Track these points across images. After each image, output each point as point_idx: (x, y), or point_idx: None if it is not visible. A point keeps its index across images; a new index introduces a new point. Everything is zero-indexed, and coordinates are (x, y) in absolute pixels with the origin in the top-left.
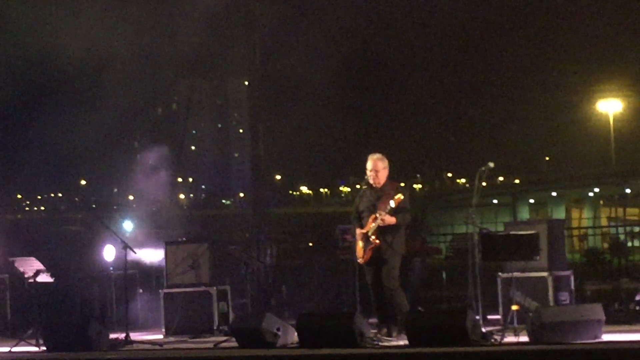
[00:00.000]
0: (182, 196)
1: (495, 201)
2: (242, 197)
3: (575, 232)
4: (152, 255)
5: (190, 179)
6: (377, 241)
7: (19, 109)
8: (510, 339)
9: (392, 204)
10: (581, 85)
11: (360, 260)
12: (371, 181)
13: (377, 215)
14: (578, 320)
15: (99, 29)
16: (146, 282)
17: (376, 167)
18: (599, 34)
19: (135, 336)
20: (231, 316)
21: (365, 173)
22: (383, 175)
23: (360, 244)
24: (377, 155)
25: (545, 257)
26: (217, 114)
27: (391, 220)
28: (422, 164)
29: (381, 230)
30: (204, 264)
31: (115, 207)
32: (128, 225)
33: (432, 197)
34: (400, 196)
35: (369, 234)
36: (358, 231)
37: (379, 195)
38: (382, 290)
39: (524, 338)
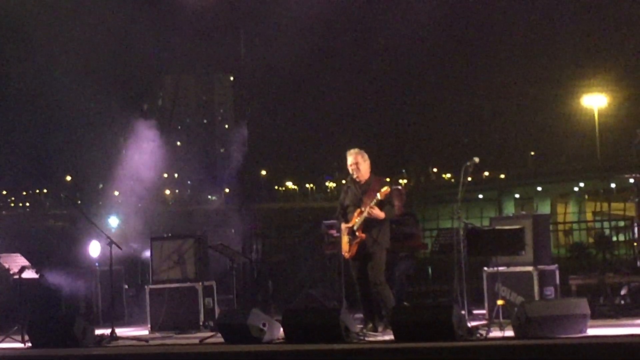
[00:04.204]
0: (167, 192)
1: (480, 196)
2: (228, 192)
3: (561, 227)
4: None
5: (176, 175)
6: (363, 235)
7: (3, 105)
8: (495, 333)
9: (379, 196)
10: (566, 80)
11: (346, 255)
12: (354, 174)
13: (362, 209)
14: (563, 315)
15: (84, 25)
16: (132, 278)
17: (357, 160)
18: (584, 29)
19: (121, 332)
20: (217, 312)
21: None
22: (365, 168)
23: (345, 238)
24: (355, 150)
25: (530, 252)
26: (202, 109)
27: (379, 213)
28: (407, 159)
29: (366, 225)
30: (190, 259)
31: (100, 203)
32: (113, 221)
33: (417, 192)
34: (387, 189)
35: (355, 228)
36: (343, 226)
37: (364, 189)
38: (368, 285)
39: (510, 333)
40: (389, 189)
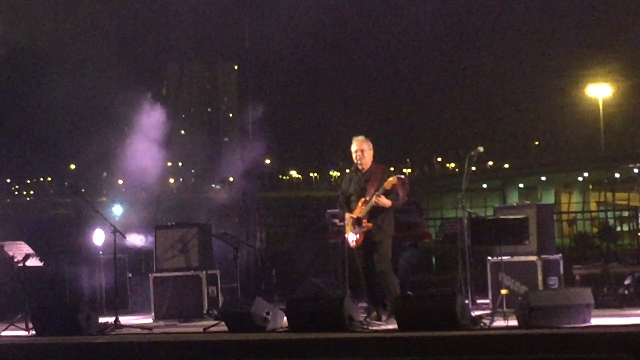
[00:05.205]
0: (171, 180)
1: (484, 185)
2: (232, 181)
3: (565, 217)
4: (141, 240)
5: (180, 163)
6: (369, 224)
7: (7, 94)
8: (499, 323)
9: (386, 186)
10: (571, 69)
11: (353, 245)
12: (357, 162)
13: (367, 198)
14: (567, 305)
15: (87, 12)
16: (136, 266)
17: (362, 147)
18: (589, 18)
19: (124, 320)
20: (221, 300)
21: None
22: (369, 156)
23: (350, 228)
24: (361, 137)
25: (534, 242)
26: (206, 98)
27: (385, 202)
28: (411, 149)
29: (372, 214)
30: (194, 248)
31: (104, 192)
32: (117, 210)
33: (421, 182)
34: (394, 178)
35: (361, 217)
36: (348, 216)
37: (367, 178)
38: (372, 274)
39: (513, 322)
40: (396, 179)
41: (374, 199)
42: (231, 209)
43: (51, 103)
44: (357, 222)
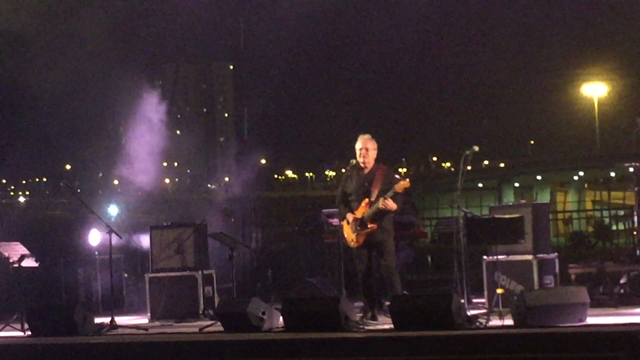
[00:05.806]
0: (167, 180)
1: (480, 185)
2: (228, 181)
3: (560, 216)
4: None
5: (176, 164)
6: (374, 225)
7: (2, 94)
8: (495, 322)
9: (396, 189)
10: (566, 68)
11: (353, 245)
12: (361, 160)
13: (372, 199)
14: (563, 304)
15: (83, 12)
16: (131, 266)
17: (366, 146)
18: (584, 17)
19: (120, 321)
20: (216, 300)
21: (352, 156)
22: (372, 156)
23: (351, 228)
24: (367, 135)
25: (530, 241)
26: (202, 98)
27: (393, 206)
28: (407, 148)
29: (375, 214)
30: (189, 248)
31: (100, 192)
32: (113, 210)
33: (417, 181)
34: (407, 182)
35: (365, 218)
36: (351, 216)
37: (370, 179)
38: (370, 273)
39: (509, 321)
40: (409, 183)
41: (380, 202)
42: (227, 209)
43: (47, 103)
44: (361, 222)
